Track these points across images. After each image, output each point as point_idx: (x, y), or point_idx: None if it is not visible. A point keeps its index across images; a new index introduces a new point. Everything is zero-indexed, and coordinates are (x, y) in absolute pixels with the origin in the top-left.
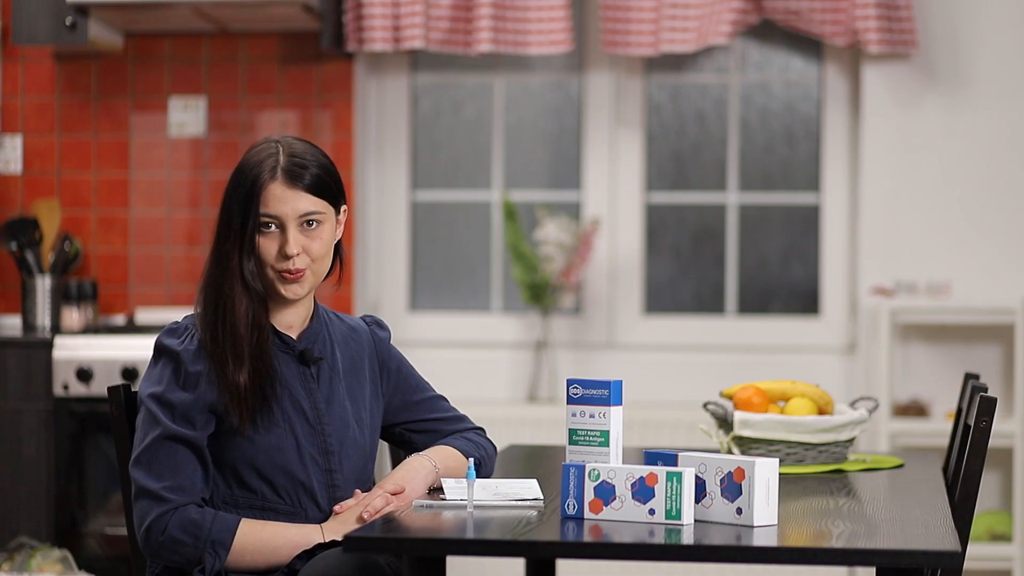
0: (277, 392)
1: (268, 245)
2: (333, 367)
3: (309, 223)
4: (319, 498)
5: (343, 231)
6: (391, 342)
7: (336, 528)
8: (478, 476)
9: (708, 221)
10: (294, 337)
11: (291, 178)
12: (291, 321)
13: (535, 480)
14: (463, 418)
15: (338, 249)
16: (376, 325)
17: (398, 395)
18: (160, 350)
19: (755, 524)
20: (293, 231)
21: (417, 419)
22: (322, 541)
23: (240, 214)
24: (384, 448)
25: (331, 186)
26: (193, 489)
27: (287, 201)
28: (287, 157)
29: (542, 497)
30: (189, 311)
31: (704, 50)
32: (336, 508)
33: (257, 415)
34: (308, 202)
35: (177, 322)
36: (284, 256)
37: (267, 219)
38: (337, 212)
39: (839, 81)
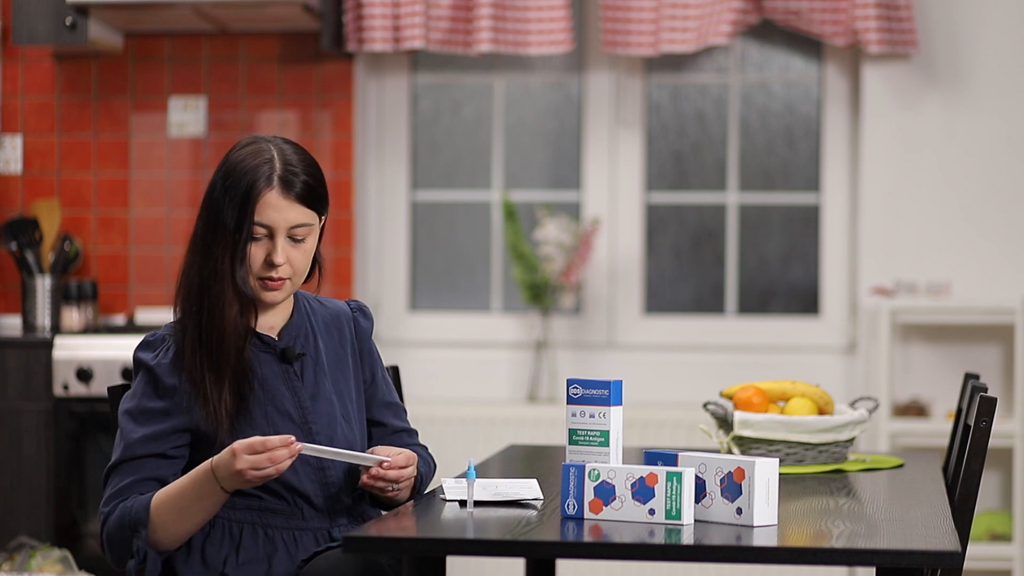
0: (260, 397)
1: (256, 253)
2: (317, 360)
3: (297, 235)
4: (312, 498)
5: (321, 238)
6: (373, 334)
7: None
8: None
9: (708, 221)
10: (275, 336)
11: (286, 187)
12: (272, 322)
13: (535, 480)
14: (413, 432)
15: (317, 256)
16: (360, 312)
17: (370, 389)
18: (135, 364)
19: (755, 524)
20: (282, 241)
21: (374, 419)
22: (216, 483)
23: (234, 219)
24: None
25: (321, 196)
26: (133, 487)
27: (280, 211)
28: (283, 165)
29: (542, 497)
30: None
31: (704, 50)
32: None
33: (238, 427)
34: (299, 213)
35: (154, 333)
36: (269, 265)
37: (260, 227)
38: (320, 221)
39: (839, 81)
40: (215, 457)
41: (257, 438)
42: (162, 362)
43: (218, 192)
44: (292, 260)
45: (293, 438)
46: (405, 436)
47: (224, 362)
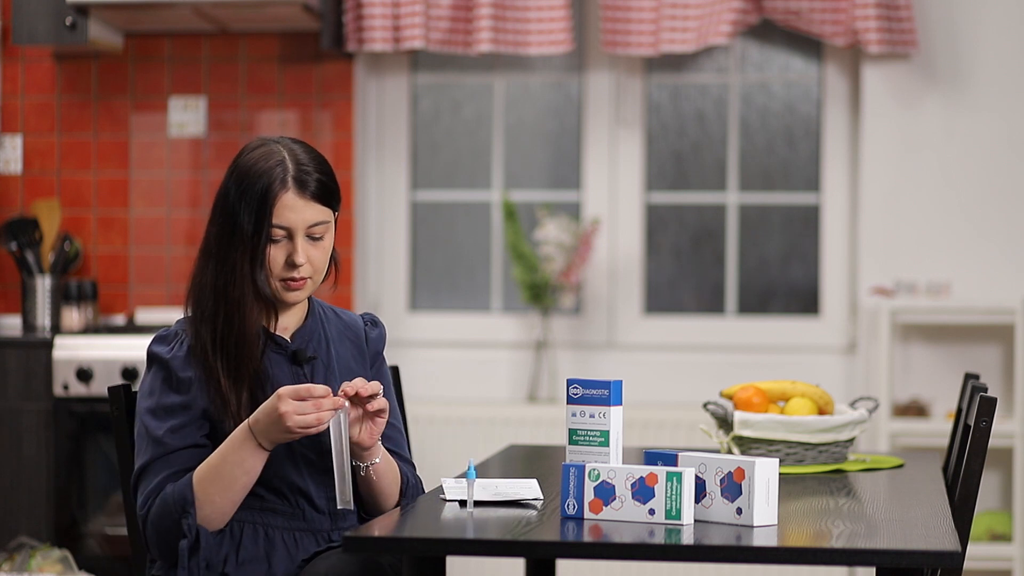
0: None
1: (277, 255)
2: (328, 366)
3: (315, 233)
4: (315, 499)
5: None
6: (385, 348)
7: (263, 429)
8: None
9: (708, 221)
10: (287, 338)
11: (301, 187)
12: (286, 323)
13: (535, 480)
14: (410, 463)
15: (332, 253)
16: (371, 324)
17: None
18: (150, 358)
19: (755, 524)
20: (301, 241)
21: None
22: (253, 440)
23: (252, 223)
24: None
25: (334, 192)
26: (168, 481)
27: (298, 211)
28: (295, 165)
29: (542, 497)
30: None
31: (704, 50)
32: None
33: None
34: (316, 211)
35: (168, 328)
36: (291, 265)
37: (279, 229)
38: (335, 217)
39: (839, 81)
40: (254, 413)
41: (302, 385)
42: (177, 355)
43: (232, 197)
44: (312, 259)
45: (330, 391)
46: (402, 463)
47: (243, 366)
